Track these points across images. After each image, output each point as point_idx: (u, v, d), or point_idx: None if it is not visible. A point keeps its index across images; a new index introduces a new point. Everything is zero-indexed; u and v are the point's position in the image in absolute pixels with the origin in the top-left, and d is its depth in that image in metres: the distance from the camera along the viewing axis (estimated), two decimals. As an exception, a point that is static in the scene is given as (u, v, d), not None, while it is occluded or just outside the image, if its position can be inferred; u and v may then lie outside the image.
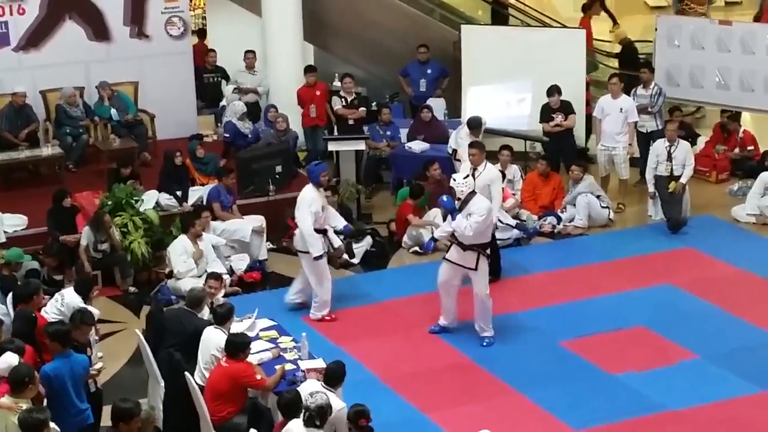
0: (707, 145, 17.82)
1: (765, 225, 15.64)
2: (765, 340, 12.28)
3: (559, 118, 16.46)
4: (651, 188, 15.76)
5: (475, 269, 12.21)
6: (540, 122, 16.65)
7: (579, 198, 15.69)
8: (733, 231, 15.64)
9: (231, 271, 14.01)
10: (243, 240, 14.47)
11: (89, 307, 11.17)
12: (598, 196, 15.78)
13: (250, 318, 11.48)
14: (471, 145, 13.81)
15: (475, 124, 15.33)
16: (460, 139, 15.62)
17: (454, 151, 15.84)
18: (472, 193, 12.14)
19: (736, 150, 17.65)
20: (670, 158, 15.47)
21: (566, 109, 16.50)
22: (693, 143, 16.56)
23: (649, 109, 16.54)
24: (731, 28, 17.88)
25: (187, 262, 13.47)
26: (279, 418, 9.37)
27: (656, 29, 18.41)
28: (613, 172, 16.40)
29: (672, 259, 14.66)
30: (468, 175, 12.48)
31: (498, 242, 14.69)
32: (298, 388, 9.48)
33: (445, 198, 12.37)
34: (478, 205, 12.04)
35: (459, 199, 12.07)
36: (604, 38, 22.14)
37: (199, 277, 13.16)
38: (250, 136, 17.06)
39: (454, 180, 12.23)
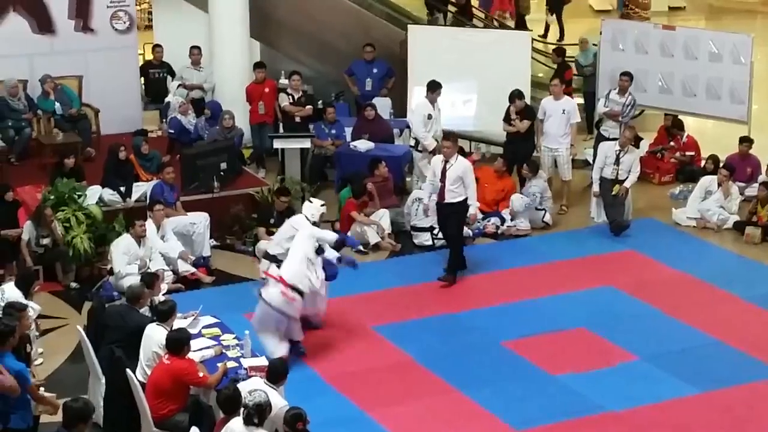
0: (651, 148, 18.00)
1: (705, 228, 15.82)
2: (703, 342, 12.42)
3: (513, 121, 16.34)
4: (596, 187, 15.88)
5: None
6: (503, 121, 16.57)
7: (515, 199, 15.74)
8: (673, 234, 15.81)
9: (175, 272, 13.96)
10: (186, 235, 14.42)
11: (30, 303, 11.10)
12: (543, 200, 15.85)
13: (193, 315, 11.45)
14: (445, 137, 14.17)
15: (433, 85, 15.85)
16: (414, 115, 16.27)
17: (417, 141, 16.13)
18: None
19: (677, 154, 17.85)
20: (618, 162, 15.58)
21: (526, 113, 16.37)
22: (636, 146, 16.70)
23: (620, 118, 16.60)
24: (674, 32, 18.11)
25: (130, 263, 13.37)
26: (220, 415, 9.35)
27: (601, 33, 18.57)
28: (555, 174, 16.49)
29: (613, 261, 14.80)
30: (323, 203, 12.74)
31: (443, 241, 14.81)
32: (239, 386, 9.47)
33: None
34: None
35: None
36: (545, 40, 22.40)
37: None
38: (193, 131, 17.03)
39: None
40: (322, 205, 12.75)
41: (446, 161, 13.68)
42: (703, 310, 13.21)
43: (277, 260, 12.27)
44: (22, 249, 13.75)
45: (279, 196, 14.68)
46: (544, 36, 25.86)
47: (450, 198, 13.74)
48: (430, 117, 16.28)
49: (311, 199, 13.15)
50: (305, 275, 11.59)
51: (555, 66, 19.53)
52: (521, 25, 24.04)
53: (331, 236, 12.40)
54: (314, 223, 12.40)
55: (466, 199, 13.80)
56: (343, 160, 16.58)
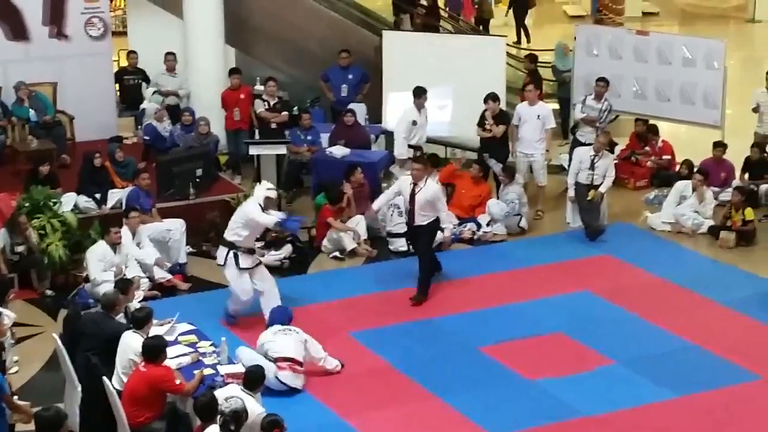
0: (623, 153, 18.07)
1: (680, 233, 15.88)
2: (679, 346, 12.46)
3: (489, 126, 16.33)
4: (571, 192, 15.92)
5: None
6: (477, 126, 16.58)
7: (492, 205, 15.76)
8: (649, 239, 15.87)
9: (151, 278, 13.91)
10: (162, 241, 14.38)
11: (5, 311, 11.05)
12: (519, 205, 15.87)
13: (170, 322, 11.42)
14: (415, 160, 13.96)
15: (419, 91, 16.02)
16: (398, 122, 16.40)
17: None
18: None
19: (652, 158, 17.92)
20: (592, 167, 15.62)
21: (501, 118, 16.37)
22: (611, 151, 16.77)
23: (597, 124, 16.61)
24: (648, 38, 18.17)
25: (105, 270, 13.30)
26: (197, 423, 9.31)
27: (575, 38, 18.62)
28: (531, 179, 16.52)
29: (589, 266, 14.84)
30: (271, 187, 12.90)
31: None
32: (215, 393, 9.44)
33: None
34: None
35: None
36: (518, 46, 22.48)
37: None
38: (169, 138, 16.99)
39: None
40: (269, 189, 12.84)
41: (415, 184, 13.38)
42: (680, 315, 13.25)
43: (234, 246, 12.56)
44: (-4, 256, 13.69)
45: None
46: (518, 42, 25.95)
47: (420, 221, 13.49)
48: (415, 123, 16.31)
49: (261, 181, 13.31)
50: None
51: (526, 71, 19.59)
52: (485, 30, 24.11)
53: (271, 219, 12.54)
54: (261, 206, 12.58)
55: (436, 219, 13.61)
56: (319, 166, 16.54)
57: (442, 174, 15.94)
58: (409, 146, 16.47)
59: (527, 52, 21.26)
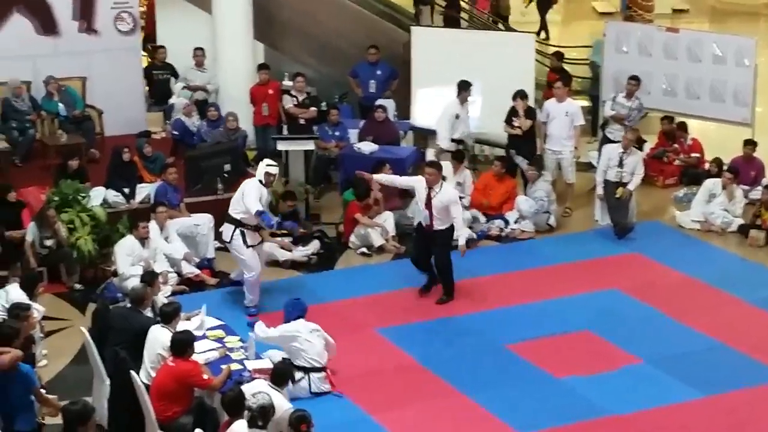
0: (652, 151, 18.00)
1: (709, 231, 15.81)
2: (708, 346, 12.41)
3: (517, 123, 16.28)
4: (600, 190, 15.88)
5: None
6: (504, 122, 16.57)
7: (521, 202, 15.74)
8: (678, 237, 15.80)
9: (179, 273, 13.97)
10: (190, 236, 14.43)
11: (34, 304, 11.11)
12: (548, 203, 15.84)
13: (197, 314, 11.46)
14: (428, 164, 13.60)
15: (464, 85, 16.05)
16: (441, 115, 16.36)
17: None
18: None
19: (681, 156, 17.85)
20: (621, 164, 15.56)
21: (529, 114, 16.32)
22: (639, 148, 16.70)
23: (626, 122, 16.58)
24: (678, 35, 18.09)
25: (134, 264, 13.35)
26: (225, 418, 9.34)
27: (604, 35, 18.56)
28: (560, 176, 16.48)
29: (618, 264, 14.79)
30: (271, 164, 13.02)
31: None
32: (242, 388, 9.47)
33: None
34: None
35: None
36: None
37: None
38: (197, 133, 17.05)
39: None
40: (269, 165, 12.99)
41: (430, 188, 13.12)
42: (707, 313, 13.20)
43: (242, 224, 12.83)
44: (26, 250, 13.74)
45: (285, 200, 14.78)
46: (546, 38, 25.84)
47: (438, 225, 13.19)
48: (457, 117, 16.31)
49: (263, 159, 13.46)
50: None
51: (550, 68, 19.53)
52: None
53: (255, 206, 12.65)
54: (261, 182, 12.84)
55: (452, 226, 13.25)
56: (346, 162, 16.55)
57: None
58: (453, 140, 16.44)
59: (554, 49, 21.18)
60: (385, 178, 14.09)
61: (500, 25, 23.15)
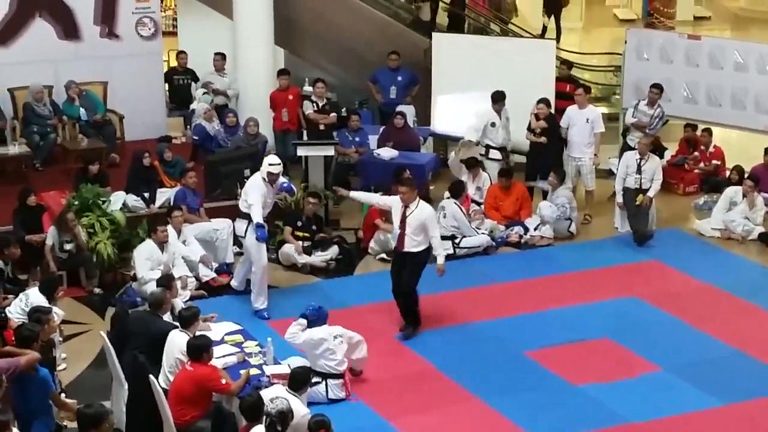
0: (672, 159, 17.95)
1: (729, 239, 15.75)
2: (727, 354, 12.37)
3: (534, 124, 16.27)
4: (619, 198, 15.86)
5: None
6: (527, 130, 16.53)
7: (544, 207, 15.71)
8: (698, 245, 15.76)
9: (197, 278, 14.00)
10: (210, 241, 14.46)
11: (54, 308, 11.15)
12: (569, 210, 15.80)
13: (212, 317, 11.53)
14: (401, 182, 13.04)
15: (498, 96, 16.03)
16: (476, 118, 16.31)
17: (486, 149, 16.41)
18: None
19: (702, 164, 17.79)
20: (639, 171, 15.56)
21: (548, 121, 16.24)
22: (660, 156, 16.65)
23: (647, 130, 16.53)
24: (700, 42, 18.00)
25: (153, 269, 13.37)
26: (243, 422, 9.35)
27: (626, 42, 18.52)
28: (580, 182, 16.46)
29: (637, 272, 14.75)
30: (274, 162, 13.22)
31: (465, 250, 14.85)
32: (261, 393, 9.48)
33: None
34: None
35: None
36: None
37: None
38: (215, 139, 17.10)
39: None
40: (271, 164, 13.20)
41: (406, 206, 12.52)
42: (727, 322, 13.16)
43: (250, 219, 13.09)
44: (46, 254, 13.80)
45: (308, 197, 14.94)
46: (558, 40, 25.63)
47: (410, 247, 12.56)
48: (493, 125, 16.27)
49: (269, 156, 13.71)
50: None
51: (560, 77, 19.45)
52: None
53: (250, 208, 13.04)
54: (264, 179, 13.15)
55: (428, 249, 12.67)
56: (366, 168, 16.56)
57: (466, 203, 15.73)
58: (492, 147, 16.42)
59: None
60: (362, 195, 13.96)
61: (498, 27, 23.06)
